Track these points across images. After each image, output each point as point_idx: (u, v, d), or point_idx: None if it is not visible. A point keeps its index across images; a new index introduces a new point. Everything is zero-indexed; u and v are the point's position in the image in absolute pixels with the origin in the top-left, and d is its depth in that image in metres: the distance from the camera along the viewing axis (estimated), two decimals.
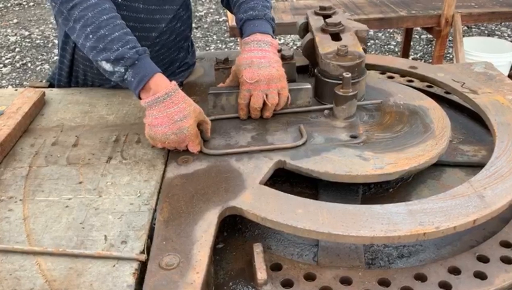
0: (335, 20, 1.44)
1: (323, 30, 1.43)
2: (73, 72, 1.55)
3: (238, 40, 4.00)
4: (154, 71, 1.16)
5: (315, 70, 1.35)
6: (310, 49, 1.42)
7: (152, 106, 1.13)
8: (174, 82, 1.17)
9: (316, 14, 1.54)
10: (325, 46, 1.35)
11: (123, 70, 1.15)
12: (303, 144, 1.17)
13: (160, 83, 1.15)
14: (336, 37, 1.40)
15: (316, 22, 1.48)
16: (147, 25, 1.40)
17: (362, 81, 1.33)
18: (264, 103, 1.25)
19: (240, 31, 1.41)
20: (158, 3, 1.40)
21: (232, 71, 1.32)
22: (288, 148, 1.16)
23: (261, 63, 1.25)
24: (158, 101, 1.13)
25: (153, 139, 1.17)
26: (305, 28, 1.53)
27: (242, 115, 1.29)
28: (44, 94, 1.49)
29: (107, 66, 1.16)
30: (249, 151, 1.16)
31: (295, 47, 5.00)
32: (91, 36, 1.16)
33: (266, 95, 1.24)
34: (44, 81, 1.65)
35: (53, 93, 1.54)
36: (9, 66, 4.80)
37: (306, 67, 1.56)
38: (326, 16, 1.51)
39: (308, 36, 1.44)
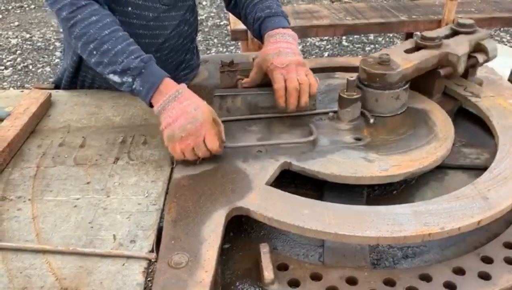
0: (433, 34, 1.37)
1: (417, 43, 1.38)
2: (79, 76, 1.56)
3: (240, 43, 4.02)
4: (162, 76, 1.17)
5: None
6: None
7: (166, 107, 1.14)
8: (183, 84, 1.18)
9: (452, 29, 1.46)
10: (393, 54, 1.32)
11: (130, 80, 1.16)
12: (314, 140, 1.19)
13: (170, 85, 1.17)
14: (417, 49, 1.36)
15: (436, 34, 1.40)
16: (156, 32, 1.42)
17: (400, 92, 1.30)
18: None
19: (257, 29, 1.44)
20: (166, 10, 1.42)
21: (256, 63, 1.34)
22: (300, 143, 1.19)
23: (288, 53, 1.29)
24: (170, 100, 1.14)
25: (172, 139, 1.13)
26: None
27: (281, 102, 1.27)
28: (50, 95, 1.50)
29: (115, 78, 1.17)
30: (265, 145, 1.19)
31: None
32: (94, 52, 1.18)
33: (298, 77, 1.26)
34: (46, 82, 1.66)
35: (59, 95, 1.55)
36: (11, 69, 4.81)
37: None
38: (458, 33, 1.44)
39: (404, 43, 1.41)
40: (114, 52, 1.17)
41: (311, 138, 1.20)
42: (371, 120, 1.27)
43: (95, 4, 1.22)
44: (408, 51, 1.36)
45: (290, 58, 1.28)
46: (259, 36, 1.44)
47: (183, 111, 1.13)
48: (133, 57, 1.16)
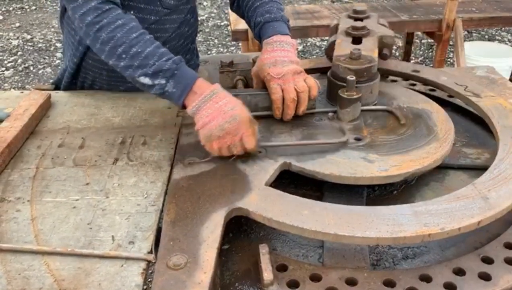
0: (360, 24, 1.44)
1: (347, 33, 1.44)
2: (79, 78, 1.56)
3: (240, 44, 4.02)
4: (195, 76, 1.17)
5: (328, 73, 1.37)
6: (331, 51, 1.43)
7: (201, 107, 1.13)
8: (217, 83, 1.18)
9: (349, 17, 1.54)
10: (342, 48, 1.36)
11: (163, 82, 1.15)
12: (346, 141, 1.19)
13: (204, 85, 1.16)
14: (357, 40, 1.41)
15: (344, 25, 1.48)
16: (157, 34, 1.41)
17: (373, 86, 1.33)
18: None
19: (257, 34, 1.43)
20: (167, 14, 1.42)
21: (254, 72, 1.33)
22: (334, 143, 1.18)
23: (284, 62, 1.28)
24: (205, 100, 1.13)
25: (209, 139, 1.12)
26: (336, 31, 1.54)
27: (278, 113, 1.28)
28: (50, 96, 1.50)
29: (145, 81, 1.15)
30: (300, 144, 1.19)
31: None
32: (123, 55, 1.16)
33: (295, 85, 1.25)
34: (47, 84, 1.66)
35: (58, 96, 1.55)
36: (12, 70, 4.81)
37: (310, 70, 1.58)
38: (357, 20, 1.51)
39: (333, 38, 1.45)
40: (144, 54, 1.15)
41: (344, 139, 1.19)
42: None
43: (118, 8, 1.21)
44: (354, 43, 1.40)
45: (286, 68, 1.26)
46: (260, 42, 1.43)
47: (219, 111, 1.12)
48: (164, 59, 1.15)
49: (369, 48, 1.35)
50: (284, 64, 1.27)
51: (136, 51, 1.15)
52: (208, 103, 1.13)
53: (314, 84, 1.27)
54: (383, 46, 1.44)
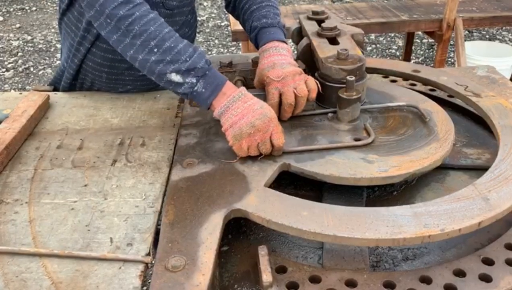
0: (331, 24, 1.44)
1: (319, 35, 1.44)
2: (79, 79, 1.55)
3: (240, 44, 4.01)
4: (225, 78, 1.18)
5: (316, 74, 1.36)
6: (307, 54, 1.43)
7: (230, 107, 1.13)
8: (242, 87, 1.18)
9: (309, 19, 1.54)
10: (325, 50, 1.35)
11: (194, 81, 1.14)
12: (372, 142, 1.18)
13: (232, 87, 1.17)
14: (333, 41, 1.41)
15: (311, 27, 1.48)
16: None
17: (364, 84, 1.33)
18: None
19: (254, 39, 1.43)
20: (169, 15, 1.42)
21: (255, 82, 1.33)
22: (358, 146, 1.17)
23: (283, 64, 1.28)
24: (234, 100, 1.13)
25: (239, 137, 1.12)
26: (299, 34, 1.54)
27: None
28: (48, 97, 1.50)
29: (176, 78, 1.14)
30: (324, 148, 1.17)
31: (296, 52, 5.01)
32: (155, 49, 1.14)
33: (295, 89, 1.24)
34: (47, 85, 1.66)
35: (57, 97, 1.55)
36: (12, 71, 4.82)
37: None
38: (319, 21, 1.52)
39: (305, 41, 1.45)
40: (176, 50, 1.14)
41: (369, 140, 1.18)
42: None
43: (146, 3, 1.19)
44: (331, 43, 1.40)
45: (286, 70, 1.25)
46: (257, 47, 1.43)
47: (249, 109, 1.12)
48: (196, 57, 1.15)
49: (350, 47, 1.35)
50: (283, 66, 1.27)
51: (169, 46, 1.14)
52: (237, 103, 1.13)
53: (314, 87, 1.27)
54: (356, 44, 1.44)
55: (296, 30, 1.54)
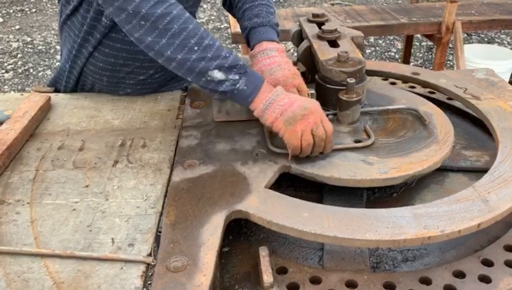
0: (331, 27, 1.45)
1: (319, 37, 1.44)
2: (79, 82, 1.56)
3: (240, 46, 4.02)
4: (262, 78, 1.19)
5: (316, 77, 1.37)
6: (308, 56, 1.43)
7: (275, 100, 1.13)
8: (279, 86, 1.18)
9: (310, 21, 1.55)
10: (325, 52, 1.36)
11: (237, 78, 1.14)
12: (372, 143, 1.19)
13: (270, 86, 1.18)
14: (333, 43, 1.42)
15: (311, 30, 1.49)
16: None
17: (364, 86, 1.34)
18: None
19: (246, 39, 1.43)
20: None
21: None
22: (358, 148, 1.18)
23: (272, 69, 1.27)
24: (278, 94, 1.14)
25: (293, 120, 1.10)
26: (299, 36, 1.54)
27: None
28: (49, 98, 1.50)
29: (218, 75, 1.13)
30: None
31: (295, 54, 5.02)
32: (196, 47, 1.12)
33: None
34: (47, 86, 1.66)
35: (58, 98, 1.55)
36: (11, 72, 4.82)
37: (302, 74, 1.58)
38: (319, 23, 1.52)
39: (305, 44, 1.45)
40: (215, 47, 1.14)
41: (369, 142, 1.19)
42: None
43: (178, 2, 1.18)
44: (331, 46, 1.40)
45: (275, 76, 1.25)
46: (250, 48, 1.42)
47: (295, 98, 1.14)
48: (234, 54, 1.15)
49: (350, 50, 1.35)
50: (272, 71, 1.26)
51: (208, 43, 1.13)
52: (281, 95, 1.14)
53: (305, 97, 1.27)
54: (356, 47, 1.44)
55: (296, 33, 1.55)
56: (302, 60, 1.46)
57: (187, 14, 1.16)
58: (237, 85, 1.14)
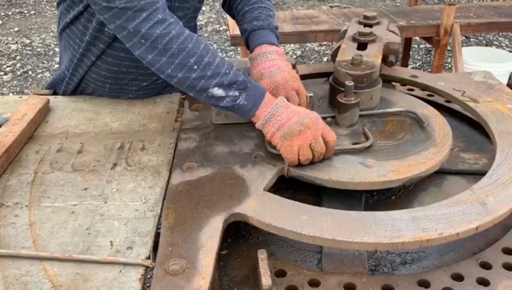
0: (367, 30, 1.45)
1: (354, 39, 1.45)
2: (80, 87, 1.55)
3: (239, 49, 4.03)
4: (264, 89, 1.19)
5: (330, 77, 1.37)
6: (335, 56, 1.43)
7: (274, 113, 1.14)
8: (281, 96, 1.19)
9: (360, 23, 1.55)
10: (346, 54, 1.36)
11: (237, 94, 1.15)
12: (371, 146, 1.19)
13: (271, 97, 1.18)
14: (362, 46, 1.42)
15: (353, 31, 1.49)
16: None
17: (374, 92, 1.33)
18: None
19: (245, 42, 1.43)
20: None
21: None
22: (357, 149, 1.18)
23: (272, 72, 1.27)
24: (277, 107, 1.14)
25: (289, 136, 1.10)
26: (344, 36, 1.55)
27: None
28: (48, 101, 1.50)
29: (219, 92, 1.15)
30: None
31: (294, 56, 5.03)
32: (195, 66, 1.14)
33: (287, 99, 1.24)
34: (43, 88, 1.66)
35: (57, 101, 1.55)
36: (10, 74, 4.81)
37: (308, 76, 1.58)
38: (367, 26, 1.52)
39: (339, 43, 1.46)
40: (215, 64, 1.14)
41: (367, 144, 1.19)
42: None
43: (179, 20, 1.19)
44: (359, 49, 1.41)
45: (275, 79, 1.26)
46: (249, 50, 1.43)
47: (294, 112, 1.13)
48: (235, 70, 1.16)
49: (372, 54, 1.35)
50: (272, 74, 1.27)
51: (208, 61, 1.14)
52: (280, 109, 1.14)
53: (303, 101, 1.27)
54: (390, 53, 1.44)
55: (343, 32, 1.56)
56: (333, 60, 1.46)
57: (187, 32, 1.17)
58: (238, 101, 1.15)
